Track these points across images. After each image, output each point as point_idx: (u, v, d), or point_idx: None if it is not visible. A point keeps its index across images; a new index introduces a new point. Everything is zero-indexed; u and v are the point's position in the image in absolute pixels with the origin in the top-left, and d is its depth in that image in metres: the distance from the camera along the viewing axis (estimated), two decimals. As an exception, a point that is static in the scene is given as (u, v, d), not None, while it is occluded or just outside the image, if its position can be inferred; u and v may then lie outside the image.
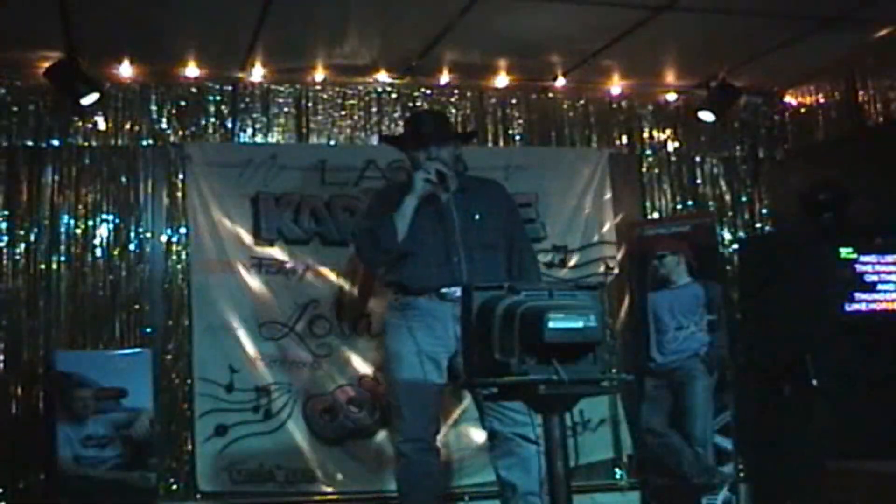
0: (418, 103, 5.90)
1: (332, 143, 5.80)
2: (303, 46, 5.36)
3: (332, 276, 5.53)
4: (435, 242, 3.74)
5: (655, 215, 6.24)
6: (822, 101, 6.15)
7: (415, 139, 3.85)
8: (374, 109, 5.86)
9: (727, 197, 6.40)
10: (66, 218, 5.35)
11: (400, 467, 3.79)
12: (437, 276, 3.72)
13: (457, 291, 3.68)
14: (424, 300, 3.73)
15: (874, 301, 5.33)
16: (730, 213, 6.39)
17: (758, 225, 6.42)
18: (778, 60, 5.66)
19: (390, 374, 3.84)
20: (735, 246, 6.29)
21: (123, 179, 5.47)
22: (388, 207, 3.80)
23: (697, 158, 6.39)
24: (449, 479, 5.25)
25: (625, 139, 6.27)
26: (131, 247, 5.43)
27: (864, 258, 5.35)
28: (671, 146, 6.35)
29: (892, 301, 5.35)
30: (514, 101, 6.09)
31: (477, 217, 3.78)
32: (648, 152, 6.31)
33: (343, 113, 5.83)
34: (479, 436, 5.04)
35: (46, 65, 5.13)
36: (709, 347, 5.44)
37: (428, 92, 5.92)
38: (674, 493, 5.43)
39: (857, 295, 5.31)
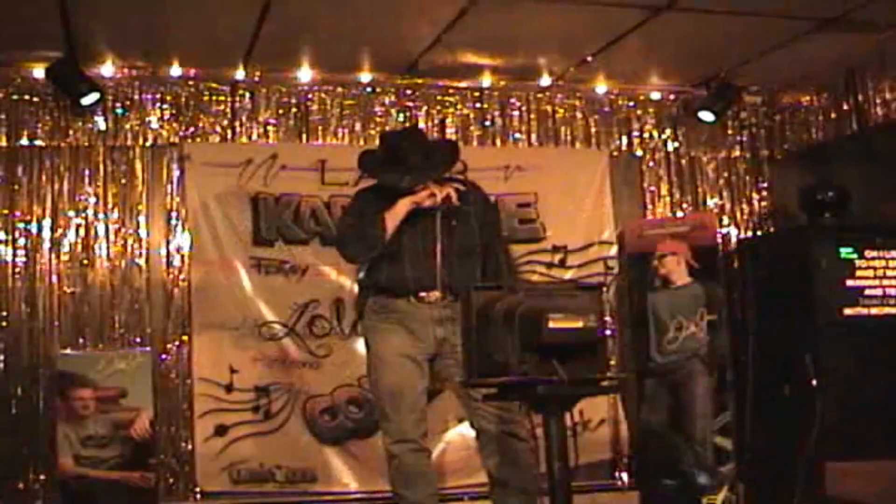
0: (418, 103, 5.90)
1: (332, 143, 5.81)
2: (303, 46, 5.36)
3: (332, 276, 5.54)
4: (414, 245, 3.74)
5: (656, 215, 6.24)
6: (822, 101, 6.15)
7: (400, 177, 3.76)
8: (374, 109, 5.86)
9: (727, 197, 6.41)
10: (66, 218, 5.35)
11: (392, 469, 3.79)
12: (416, 279, 3.73)
13: (435, 294, 3.70)
14: (403, 303, 3.74)
15: (874, 301, 5.32)
16: (730, 213, 6.39)
17: (758, 225, 6.42)
18: (778, 60, 5.66)
19: (373, 377, 3.84)
20: (735, 246, 6.28)
21: (123, 179, 5.47)
22: (373, 205, 3.79)
23: (697, 158, 6.40)
24: (447, 478, 5.25)
25: (625, 139, 6.27)
26: (131, 247, 5.43)
27: (864, 258, 5.34)
28: (671, 146, 6.35)
29: (892, 302, 5.34)
30: (514, 101, 6.09)
31: (454, 223, 3.77)
32: (648, 152, 6.31)
33: (343, 113, 5.84)
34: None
35: (46, 65, 5.14)
36: (709, 347, 5.43)
37: (428, 92, 5.93)
38: (674, 493, 5.42)
39: (858, 295, 5.31)
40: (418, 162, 3.77)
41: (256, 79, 5.66)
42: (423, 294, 3.72)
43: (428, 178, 3.76)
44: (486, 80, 5.94)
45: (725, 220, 6.37)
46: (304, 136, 5.78)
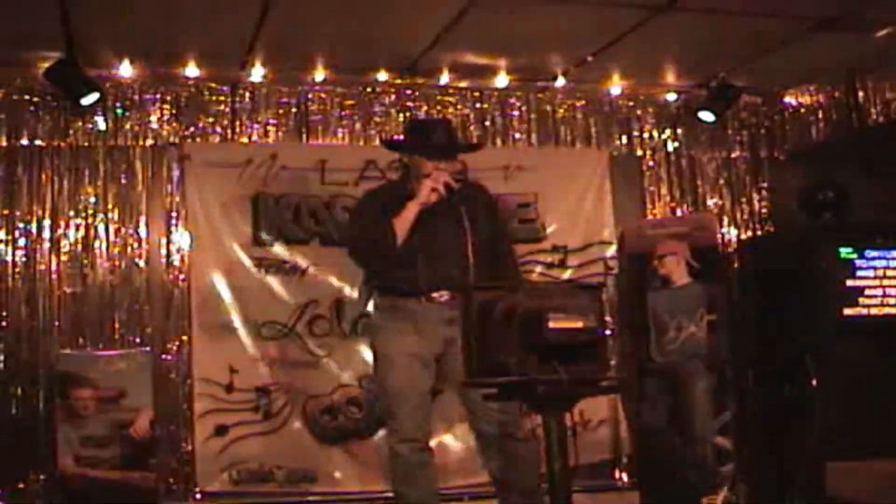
0: (418, 103, 5.90)
1: (332, 143, 5.81)
2: (302, 46, 5.36)
3: (332, 276, 5.54)
4: (424, 245, 3.75)
5: (656, 215, 6.24)
6: (822, 101, 6.15)
7: (424, 148, 3.83)
8: (374, 109, 5.87)
9: (727, 197, 6.41)
10: (66, 218, 5.35)
11: (395, 467, 3.80)
12: (428, 279, 3.73)
13: (444, 294, 3.71)
14: (413, 302, 3.75)
15: (874, 301, 5.33)
16: (730, 213, 6.40)
17: (758, 225, 6.43)
18: (778, 60, 5.66)
19: (381, 375, 3.84)
20: (735, 246, 6.29)
21: (123, 179, 5.47)
22: (381, 209, 3.80)
23: (697, 158, 6.40)
24: (448, 478, 5.24)
25: (625, 139, 6.28)
26: (131, 247, 5.43)
27: (864, 258, 5.35)
28: (671, 146, 6.36)
29: (892, 302, 5.35)
30: (514, 101, 6.09)
31: (466, 223, 3.78)
32: (648, 152, 6.31)
33: (343, 113, 5.84)
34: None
35: (46, 65, 5.14)
36: (709, 347, 5.43)
37: (428, 92, 5.93)
38: (674, 493, 5.42)
39: (858, 295, 5.31)
40: (443, 140, 3.84)
41: (256, 79, 5.66)
42: (434, 294, 3.74)
43: (450, 155, 3.84)
44: (487, 80, 5.94)
45: (725, 220, 6.37)
46: (304, 136, 5.78)
